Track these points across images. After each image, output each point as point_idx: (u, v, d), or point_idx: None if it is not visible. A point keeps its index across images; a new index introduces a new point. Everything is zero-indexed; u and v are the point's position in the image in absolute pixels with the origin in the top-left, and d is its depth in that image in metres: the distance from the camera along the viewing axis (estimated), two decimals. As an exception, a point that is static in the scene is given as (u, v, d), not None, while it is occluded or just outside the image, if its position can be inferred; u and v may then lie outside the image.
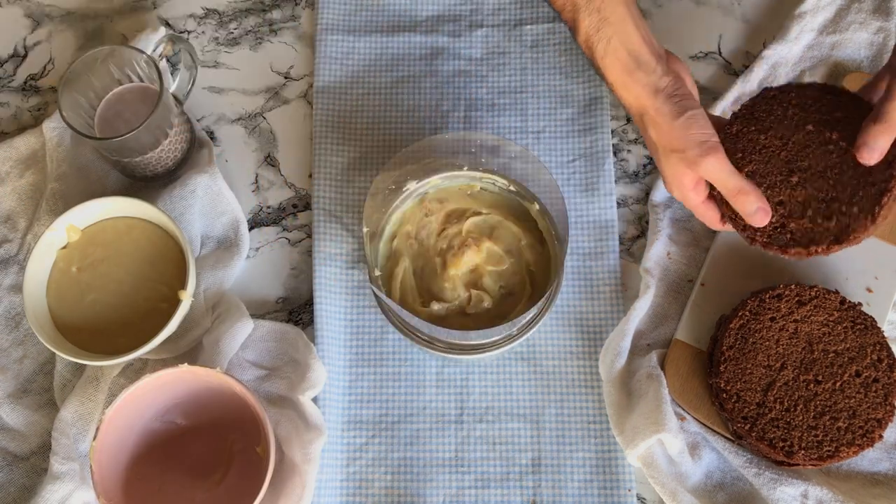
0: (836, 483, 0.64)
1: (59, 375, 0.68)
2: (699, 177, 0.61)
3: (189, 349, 0.68)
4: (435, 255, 0.66)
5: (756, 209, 0.59)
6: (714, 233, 0.71)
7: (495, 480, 0.66)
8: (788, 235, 0.60)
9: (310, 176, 0.75)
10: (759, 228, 0.61)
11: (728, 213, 0.62)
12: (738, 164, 0.61)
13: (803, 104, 0.62)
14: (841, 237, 0.59)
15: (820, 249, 0.59)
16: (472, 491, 0.66)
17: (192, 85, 0.74)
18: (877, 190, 0.58)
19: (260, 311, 0.71)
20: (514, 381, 0.69)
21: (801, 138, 0.62)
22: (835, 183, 0.60)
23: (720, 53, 0.78)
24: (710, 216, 0.63)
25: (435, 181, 0.67)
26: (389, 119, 0.76)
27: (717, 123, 0.63)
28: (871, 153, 0.56)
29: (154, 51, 0.70)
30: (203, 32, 0.80)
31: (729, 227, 0.64)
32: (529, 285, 0.65)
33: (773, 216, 0.61)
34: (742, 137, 0.63)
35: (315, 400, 0.67)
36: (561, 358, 0.69)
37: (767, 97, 0.64)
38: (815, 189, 0.60)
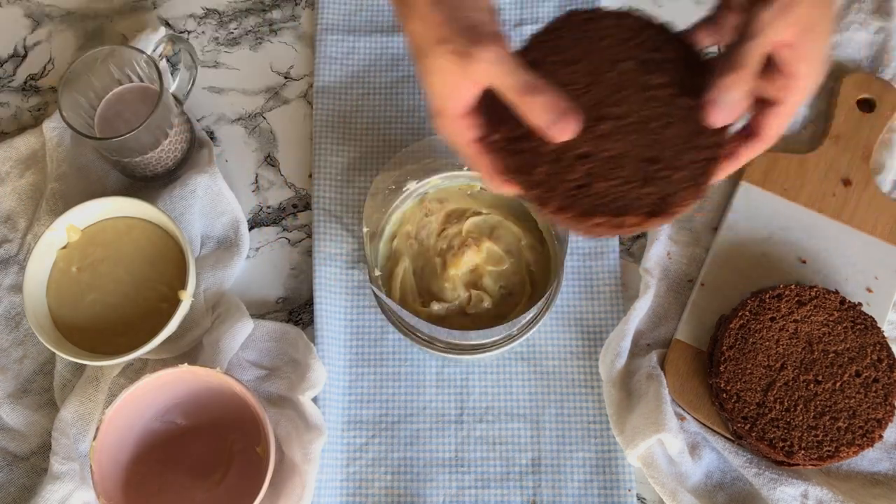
0: (836, 483, 0.64)
1: (59, 375, 0.68)
2: (475, 93, 0.45)
3: (189, 349, 0.68)
4: (435, 255, 0.66)
5: (556, 114, 0.44)
6: (714, 232, 0.71)
7: (495, 480, 0.66)
8: (593, 199, 0.46)
9: (310, 176, 0.75)
10: (553, 186, 0.46)
11: (513, 163, 0.46)
12: None
13: (622, 37, 0.49)
14: (659, 209, 0.46)
15: (632, 222, 0.46)
16: (472, 491, 0.66)
17: (192, 85, 0.74)
18: (708, 155, 0.46)
19: (260, 311, 0.71)
20: (514, 381, 0.69)
21: (615, 78, 0.48)
22: (656, 140, 0.46)
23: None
24: (486, 165, 0.47)
25: (435, 181, 0.67)
26: (389, 119, 0.76)
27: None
28: (721, 111, 0.45)
29: (154, 51, 0.70)
30: (203, 32, 0.80)
31: (510, 188, 0.48)
32: (529, 285, 0.65)
33: (575, 173, 0.46)
34: (539, 68, 0.47)
35: (315, 400, 0.67)
36: (561, 358, 0.69)
37: (575, 22, 0.50)
38: (631, 144, 0.46)
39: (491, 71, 0.43)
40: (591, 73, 0.48)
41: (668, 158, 0.46)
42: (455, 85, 0.44)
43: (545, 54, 0.48)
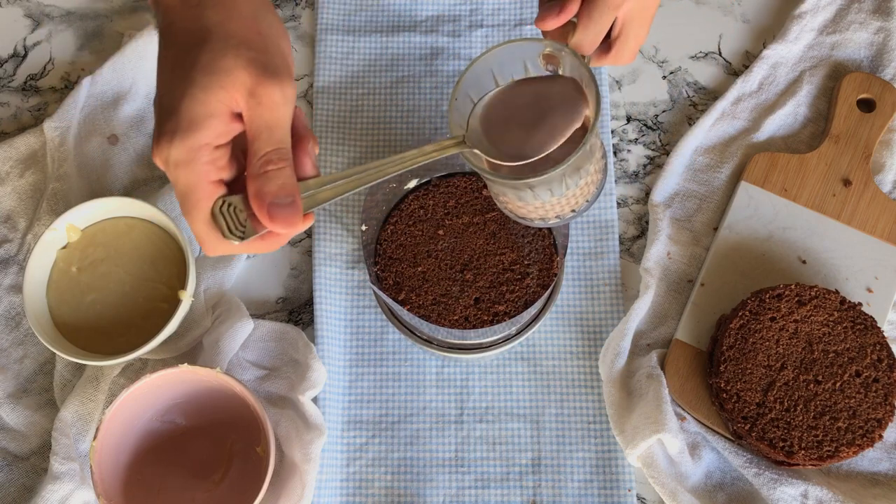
0: (836, 483, 0.64)
1: (59, 375, 0.68)
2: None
3: (189, 349, 0.68)
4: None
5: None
6: (714, 232, 0.71)
7: (495, 480, 0.66)
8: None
9: (310, 176, 0.75)
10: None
11: None
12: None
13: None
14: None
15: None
16: (472, 491, 0.66)
17: (192, 85, 0.74)
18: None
19: (260, 311, 0.71)
20: (514, 381, 0.69)
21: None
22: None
23: (720, 53, 0.78)
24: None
25: (434, 180, 0.67)
26: (389, 119, 0.76)
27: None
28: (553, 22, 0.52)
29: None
30: (203, 32, 0.80)
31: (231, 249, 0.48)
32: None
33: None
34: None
35: (315, 400, 0.67)
36: (561, 358, 0.69)
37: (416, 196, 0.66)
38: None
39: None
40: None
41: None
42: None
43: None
